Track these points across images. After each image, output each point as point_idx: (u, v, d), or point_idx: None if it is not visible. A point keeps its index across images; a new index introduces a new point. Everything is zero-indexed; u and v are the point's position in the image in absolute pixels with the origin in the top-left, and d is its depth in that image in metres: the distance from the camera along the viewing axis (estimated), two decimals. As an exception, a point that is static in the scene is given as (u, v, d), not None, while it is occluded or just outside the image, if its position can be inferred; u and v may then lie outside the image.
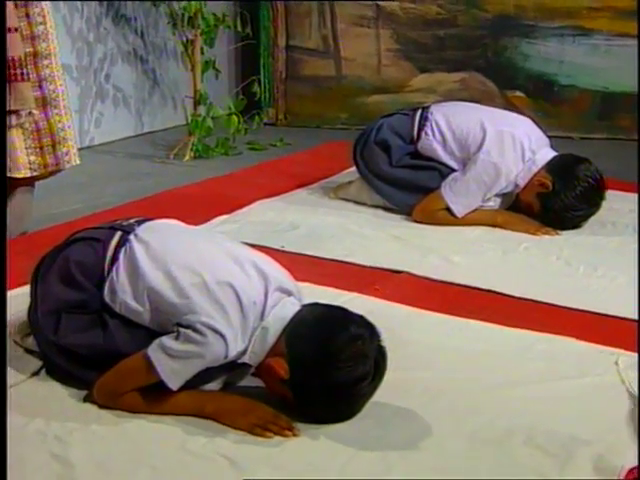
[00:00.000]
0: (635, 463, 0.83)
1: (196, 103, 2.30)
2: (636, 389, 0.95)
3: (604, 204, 1.53)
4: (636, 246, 1.43)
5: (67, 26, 2.24)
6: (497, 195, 1.56)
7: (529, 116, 1.72)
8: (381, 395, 0.89)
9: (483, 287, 1.25)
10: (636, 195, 1.69)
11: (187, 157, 2.26)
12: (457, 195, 1.53)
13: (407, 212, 1.58)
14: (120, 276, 0.94)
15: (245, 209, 1.63)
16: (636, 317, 1.14)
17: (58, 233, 1.18)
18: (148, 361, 0.88)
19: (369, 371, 0.86)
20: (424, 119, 1.59)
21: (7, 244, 1.33)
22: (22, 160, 1.40)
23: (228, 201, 1.65)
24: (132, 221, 1.00)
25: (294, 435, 0.86)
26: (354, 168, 1.68)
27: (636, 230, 1.51)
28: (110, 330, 0.92)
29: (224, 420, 0.88)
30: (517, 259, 1.40)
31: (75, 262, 0.96)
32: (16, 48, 1.34)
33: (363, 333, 0.87)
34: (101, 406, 0.91)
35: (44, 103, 1.41)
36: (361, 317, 0.89)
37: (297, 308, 0.91)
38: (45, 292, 0.97)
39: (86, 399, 0.92)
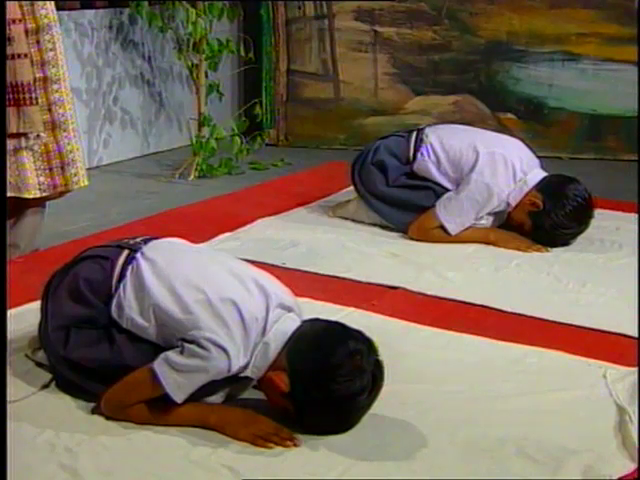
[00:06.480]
0: (623, 473, 0.85)
1: (200, 125, 2.36)
2: (623, 401, 0.98)
3: (592, 222, 1.57)
4: (625, 261, 1.47)
5: (77, 51, 2.32)
6: (489, 214, 1.61)
7: (520, 137, 1.77)
8: (378, 407, 0.92)
9: (476, 302, 1.29)
10: (622, 213, 1.74)
11: (192, 176, 2.31)
12: (451, 214, 1.58)
13: (403, 230, 1.62)
14: (127, 293, 0.98)
15: (247, 227, 1.66)
16: (623, 331, 1.18)
17: (68, 250, 1.21)
18: (154, 375, 0.91)
19: (367, 384, 0.89)
20: (419, 141, 1.64)
21: (20, 261, 1.38)
22: (32, 181, 1.44)
23: (231, 219, 1.69)
24: (139, 239, 1.05)
25: (295, 446, 0.89)
26: (352, 187, 1.72)
27: (622, 247, 1.55)
28: (117, 345, 0.96)
29: (227, 431, 0.91)
30: (509, 275, 1.43)
31: (84, 279, 1.00)
32: (26, 73, 1.39)
33: (361, 348, 0.90)
34: (108, 418, 0.93)
35: (53, 127, 1.45)
36: (359, 332, 0.92)
37: (297, 324, 0.95)
38: (55, 308, 1.01)
39: (94, 411, 0.95)
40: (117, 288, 0.98)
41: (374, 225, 1.66)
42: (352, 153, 1.86)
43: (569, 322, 1.22)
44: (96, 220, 1.85)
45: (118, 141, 2.47)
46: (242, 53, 2.40)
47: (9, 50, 1.37)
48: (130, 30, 2.48)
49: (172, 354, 0.92)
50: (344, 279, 1.39)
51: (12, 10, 1.38)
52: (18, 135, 1.41)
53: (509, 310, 1.26)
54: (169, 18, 2.41)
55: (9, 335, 1.02)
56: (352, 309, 1.24)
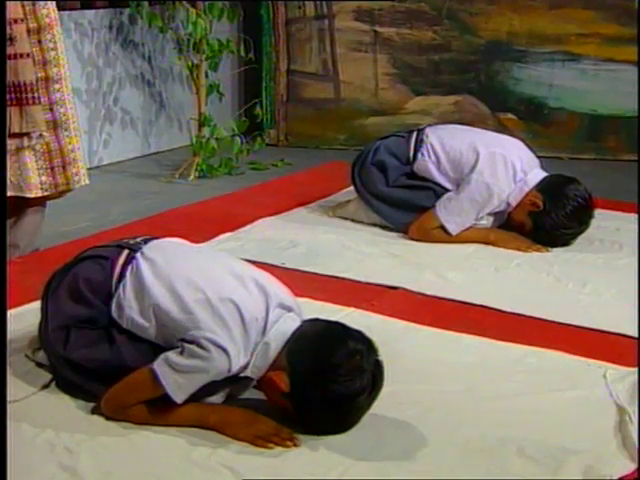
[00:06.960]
0: (623, 473, 0.85)
1: (201, 125, 2.37)
2: (623, 401, 0.98)
3: (592, 222, 1.57)
4: (625, 262, 1.47)
5: (77, 51, 2.33)
6: (490, 214, 1.61)
7: (520, 137, 1.78)
8: (378, 407, 0.92)
9: (476, 302, 1.29)
10: (622, 213, 1.75)
11: (192, 177, 2.32)
12: (451, 214, 1.58)
13: (403, 230, 1.63)
14: (127, 293, 0.98)
15: (247, 227, 1.67)
16: (623, 331, 1.18)
17: (68, 250, 1.22)
18: (154, 375, 0.91)
19: (367, 384, 0.90)
20: (419, 141, 1.64)
21: (20, 261, 1.38)
22: (34, 180, 1.45)
23: (231, 219, 1.70)
24: (139, 239, 1.05)
25: (295, 446, 0.89)
26: (352, 188, 1.72)
27: (622, 247, 1.56)
28: (117, 345, 0.96)
29: (227, 432, 0.91)
30: (509, 275, 1.43)
31: (84, 279, 1.00)
32: (28, 73, 1.39)
33: (361, 348, 0.90)
34: (108, 418, 0.94)
35: (55, 126, 1.46)
36: (359, 332, 0.93)
37: (297, 324, 0.95)
38: (55, 308, 1.01)
39: (94, 411, 0.95)
40: (117, 288, 0.99)
41: (374, 225, 1.66)
42: (352, 153, 1.86)
43: (569, 322, 1.22)
44: (96, 220, 1.85)
45: (118, 141, 2.48)
46: (242, 53, 2.40)
47: (12, 50, 1.38)
48: (130, 30, 2.49)
49: (172, 354, 0.92)
50: (344, 279, 1.39)
51: (14, 10, 1.38)
52: (21, 135, 1.41)
53: (509, 310, 1.26)
54: (169, 18, 2.42)
55: (9, 335, 1.02)
56: (352, 309, 1.24)
